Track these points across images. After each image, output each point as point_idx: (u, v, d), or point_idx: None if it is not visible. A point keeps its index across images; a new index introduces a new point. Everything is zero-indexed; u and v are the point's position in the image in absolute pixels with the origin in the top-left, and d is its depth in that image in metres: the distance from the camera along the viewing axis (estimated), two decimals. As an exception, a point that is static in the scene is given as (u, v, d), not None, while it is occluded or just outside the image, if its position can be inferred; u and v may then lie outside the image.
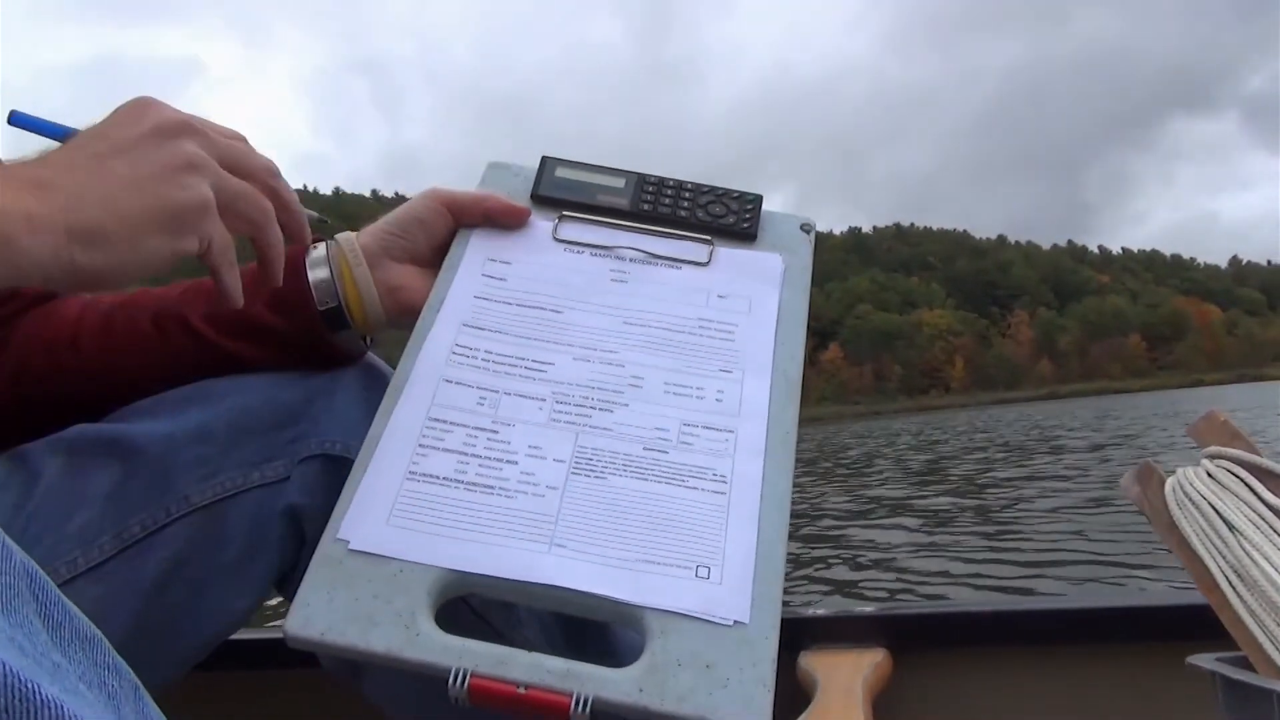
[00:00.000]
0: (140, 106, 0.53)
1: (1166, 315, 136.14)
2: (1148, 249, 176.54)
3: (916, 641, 0.91)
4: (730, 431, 0.64)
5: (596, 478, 0.60)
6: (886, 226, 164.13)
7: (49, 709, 0.23)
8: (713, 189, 0.76)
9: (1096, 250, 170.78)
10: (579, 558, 0.56)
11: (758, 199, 0.76)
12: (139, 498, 0.63)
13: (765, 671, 0.53)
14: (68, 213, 0.46)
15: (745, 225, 0.75)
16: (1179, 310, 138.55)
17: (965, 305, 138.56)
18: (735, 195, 0.76)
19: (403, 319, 0.71)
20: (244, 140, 0.58)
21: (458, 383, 0.64)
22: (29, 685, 0.22)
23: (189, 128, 0.53)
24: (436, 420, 0.62)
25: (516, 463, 0.60)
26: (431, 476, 0.59)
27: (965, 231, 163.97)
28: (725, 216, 0.75)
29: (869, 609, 0.93)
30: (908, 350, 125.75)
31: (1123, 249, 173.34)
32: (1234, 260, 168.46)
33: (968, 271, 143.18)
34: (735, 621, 0.54)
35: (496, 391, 0.64)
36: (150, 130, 0.52)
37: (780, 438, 0.64)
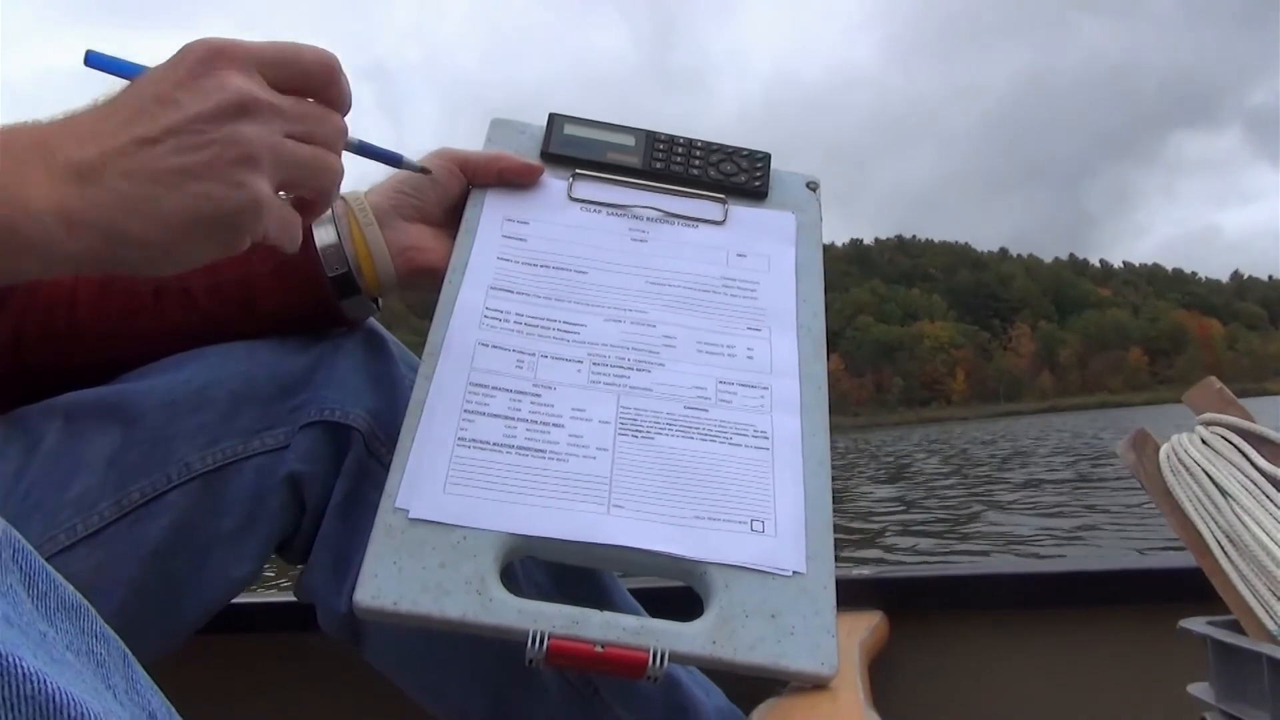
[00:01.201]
0: (205, 62, 0.47)
1: (1167, 329, 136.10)
2: (1149, 263, 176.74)
3: (913, 604, 0.91)
4: (765, 388, 0.65)
5: (643, 438, 0.61)
6: (888, 238, 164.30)
7: (32, 682, 0.23)
8: (722, 147, 0.77)
9: (1098, 264, 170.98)
10: (639, 517, 0.57)
11: (766, 157, 0.77)
12: (139, 464, 0.62)
13: (828, 619, 0.55)
14: (109, 215, 0.44)
15: (757, 183, 0.76)
16: (1180, 324, 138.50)
17: (966, 317, 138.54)
18: (745, 153, 0.77)
19: (415, 280, 0.71)
20: (329, 76, 0.53)
21: (494, 346, 0.64)
22: (10, 659, 0.22)
23: (253, 105, 0.48)
24: (478, 385, 0.62)
25: (563, 425, 0.61)
26: (481, 442, 0.59)
27: (967, 244, 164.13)
28: (737, 175, 0.76)
29: (865, 571, 0.93)
30: (908, 362, 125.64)
31: (1124, 263, 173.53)
32: (1235, 275, 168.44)
33: (969, 284, 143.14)
34: (794, 572, 0.56)
35: (533, 354, 0.64)
36: (211, 110, 0.47)
37: (813, 393, 0.65)
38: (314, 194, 0.54)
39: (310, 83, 0.52)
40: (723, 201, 0.74)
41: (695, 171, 0.75)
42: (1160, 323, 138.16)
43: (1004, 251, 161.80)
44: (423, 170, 0.70)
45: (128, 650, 0.29)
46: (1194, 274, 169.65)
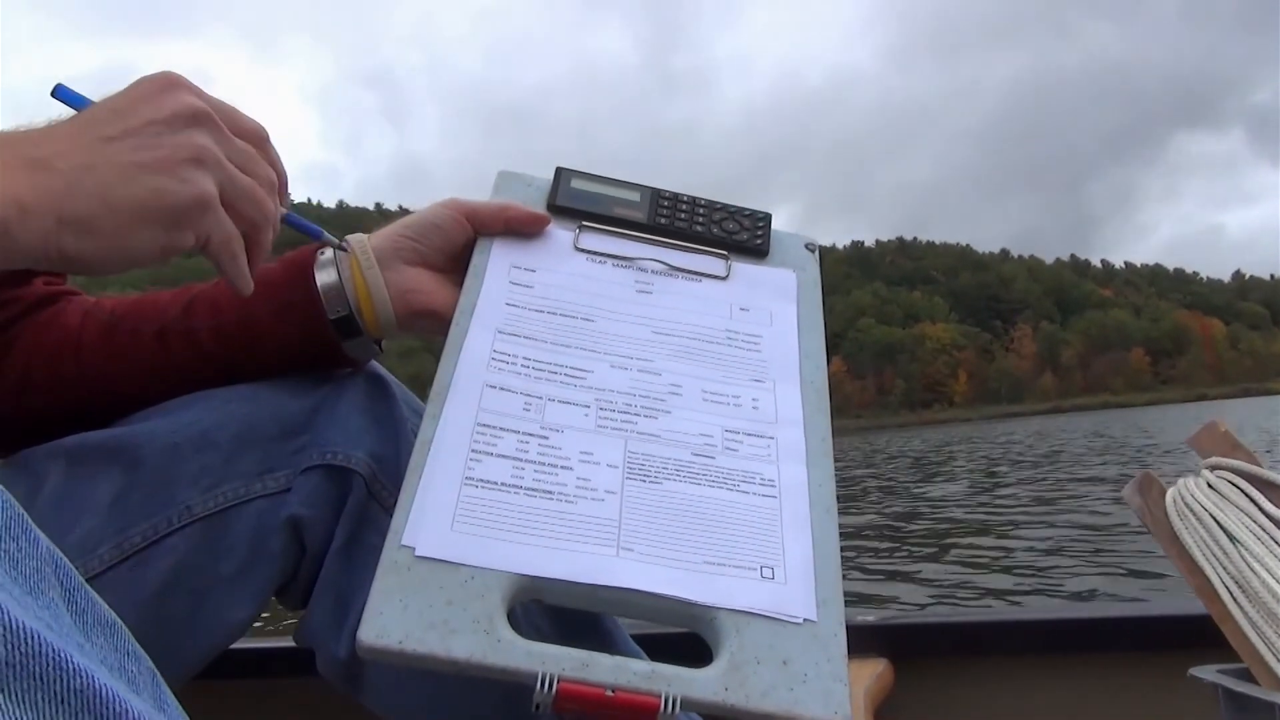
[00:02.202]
0: (162, 86, 0.52)
1: (1169, 329, 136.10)
2: (1151, 263, 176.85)
3: (917, 651, 0.91)
4: (770, 438, 0.65)
5: (651, 483, 0.61)
6: (889, 240, 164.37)
7: (80, 677, 0.23)
8: (724, 206, 0.78)
9: (1099, 264, 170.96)
10: (649, 561, 0.57)
11: (767, 217, 0.79)
12: (141, 507, 0.62)
13: (840, 668, 0.54)
14: (61, 200, 0.46)
15: (758, 242, 0.77)
16: (1182, 324, 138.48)
17: (968, 319, 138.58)
18: (747, 213, 0.78)
19: (414, 323, 0.71)
20: (262, 139, 0.58)
21: (501, 388, 0.64)
22: (62, 654, 0.23)
23: (205, 119, 0.52)
24: (486, 426, 0.62)
25: (571, 468, 0.61)
26: (489, 482, 0.59)
27: (968, 245, 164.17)
28: (739, 233, 0.77)
29: (870, 618, 0.93)
30: (910, 364, 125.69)
31: (1126, 263, 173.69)
32: (1237, 275, 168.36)
33: (970, 285, 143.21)
34: (805, 619, 0.56)
35: (540, 398, 0.64)
36: (166, 117, 0.51)
37: (818, 444, 0.66)
38: (248, 224, 0.56)
39: (245, 138, 0.56)
40: (725, 257, 0.76)
41: (699, 228, 0.77)
42: (1162, 323, 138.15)
43: (1005, 253, 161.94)
44: (340, 247, 0.69)
45: (156, 670, 0.30)
46: (1196, 274, 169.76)
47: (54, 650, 0.23)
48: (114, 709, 0.24)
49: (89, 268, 0.49)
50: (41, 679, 0.23)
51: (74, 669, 0.23)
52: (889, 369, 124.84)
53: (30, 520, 0.28)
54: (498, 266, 0.71)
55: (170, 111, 0.51)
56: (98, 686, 0.24)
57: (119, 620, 0.30)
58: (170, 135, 0.51)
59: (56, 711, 0.22)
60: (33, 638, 0.23)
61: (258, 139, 0.57)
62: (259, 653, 0.99)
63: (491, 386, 0.64)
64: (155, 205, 0.49)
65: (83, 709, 0.23)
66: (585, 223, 0.75)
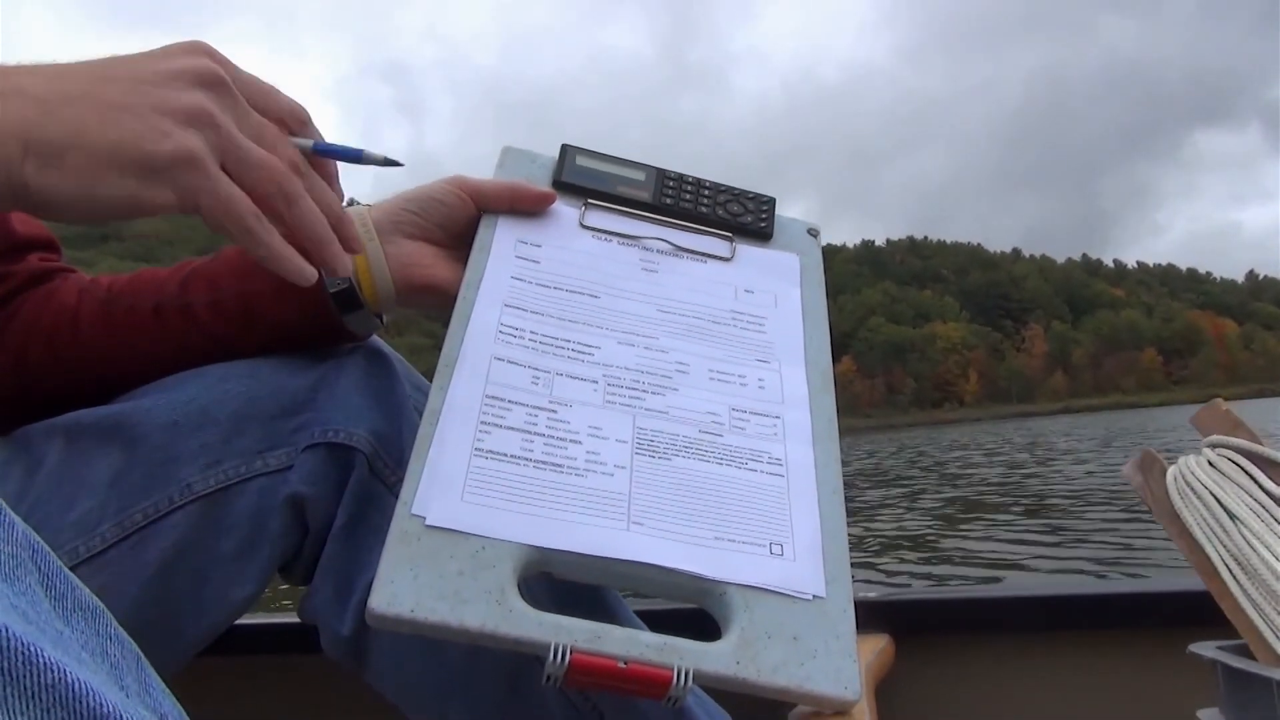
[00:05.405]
0: (187, 48, 0.50)
1: (1181, 329, 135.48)
2: (1163, 263, 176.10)
3: (919, 627, 0.91)
4: (777, 418, 0.66)
5: (660, 458, 0.61)
6: (900, 239, 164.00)
7: (52, 671, 0.23)
8: (729, 188, 0.78)
9: (1111, 264, 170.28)
10: (659, 535, 0.57)
11: (772, 201, 0.78)
12: (141, 485, 0.62)
13: (849, 644, 0.55)
14: (29, 126, 0.44)
15: (762, 225, 0.77)
16: (1194, 324, 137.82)
17: (978, 318, 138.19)
18: (751, 196, 0.78)
19: (413, 296, 0.71)
20: (301, 121, 0.56)
21: (509, 361, 0.64)
22: (32, 649, 0.23)
23: (216, 84, 0.50)
24: (494, 398, 0.62)
25: (580, 442, 0.60)
26: (499, 454, 0.59)
27: (979, 244, 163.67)
28: (743, 215, 0.77)
29: (872, 594, 0.93)
30: (920, 363, 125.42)
31: (1138, 263, 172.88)
32: (1250, 274, 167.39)
33: (981, 284, 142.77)
34: (814, 596, 0.56)
35: (549, 372, 0.64)
36: (175, 71, 0.49)
37: (824, 425, 0.66)
38: (262, 197, 0.52)
39: (278, 115, 0.55)
40: (729, 239, 0.76)
41: (704, 209, 0.77)
42: (1174, 323, 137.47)
43: (1016, 252, 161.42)
44: (390, 163, 0.64)
45: (141, 654, 0.29)
46: (1209, 274, 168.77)
47: (24, 645, 0.23)
48: (88, 703, 0.23)
49: (52, 206, 0.45)
50: (10, 674, 0.22)
51: (44, 663, 0.23)
52: (899, 368, 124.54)
53: (6, 506, 0.27)
54: (503, 241, 0.71)
55: (181, 67, 0.49)
56: (70, 680, 0.23)
57: (101, 604, 0.29)
58: (169, 89, 0.48)
59: (27, 707, 0.22)
60: (1, 631, 0.23)
61: (296, 120, 0.56)
62: (263, 629, 0.99)
63: (499, 359, 0.64)
64: (130, 150, 0.46)
65: (55, 704, 0.23)
66: (590, 200, 0.75)
